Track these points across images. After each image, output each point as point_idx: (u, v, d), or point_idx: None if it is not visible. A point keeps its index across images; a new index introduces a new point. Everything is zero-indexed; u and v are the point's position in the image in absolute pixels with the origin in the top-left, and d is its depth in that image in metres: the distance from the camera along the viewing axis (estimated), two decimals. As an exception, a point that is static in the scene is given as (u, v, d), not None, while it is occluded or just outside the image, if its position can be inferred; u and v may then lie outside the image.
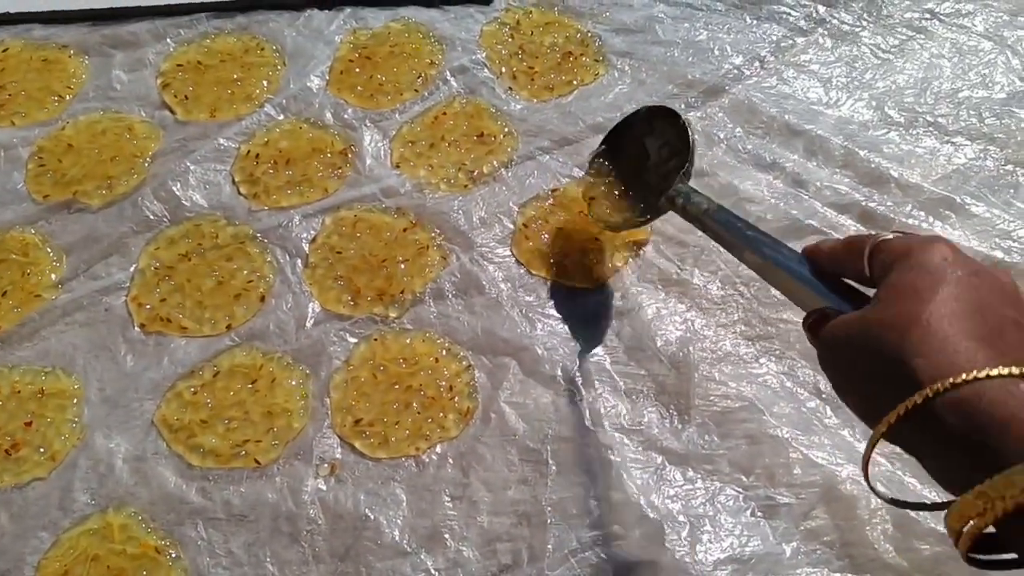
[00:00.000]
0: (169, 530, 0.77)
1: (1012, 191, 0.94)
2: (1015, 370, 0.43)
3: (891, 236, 0.54)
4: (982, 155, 0.97)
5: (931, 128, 1.00)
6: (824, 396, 0.82)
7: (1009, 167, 0.96)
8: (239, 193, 0.97)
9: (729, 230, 0.71)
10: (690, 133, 0.81)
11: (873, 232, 0.57)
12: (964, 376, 0.43)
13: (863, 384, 0.51)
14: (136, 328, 0.88)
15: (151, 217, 0.95)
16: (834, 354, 0.54)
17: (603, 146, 0.92)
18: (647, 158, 0.87)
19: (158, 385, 0.84)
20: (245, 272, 0.91)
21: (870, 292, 0.54)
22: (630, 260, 0.91)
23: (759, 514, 0.77)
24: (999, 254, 0.89)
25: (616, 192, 0.89)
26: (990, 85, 1.03)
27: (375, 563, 0.75)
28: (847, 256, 0.56)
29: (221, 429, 0.81)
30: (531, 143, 1.00)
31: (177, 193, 0.96)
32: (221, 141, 1.00)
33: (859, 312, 0.52)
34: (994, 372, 0.43)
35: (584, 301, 0.89)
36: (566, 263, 0.91)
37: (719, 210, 0.74)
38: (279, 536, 0.76)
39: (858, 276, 0.56)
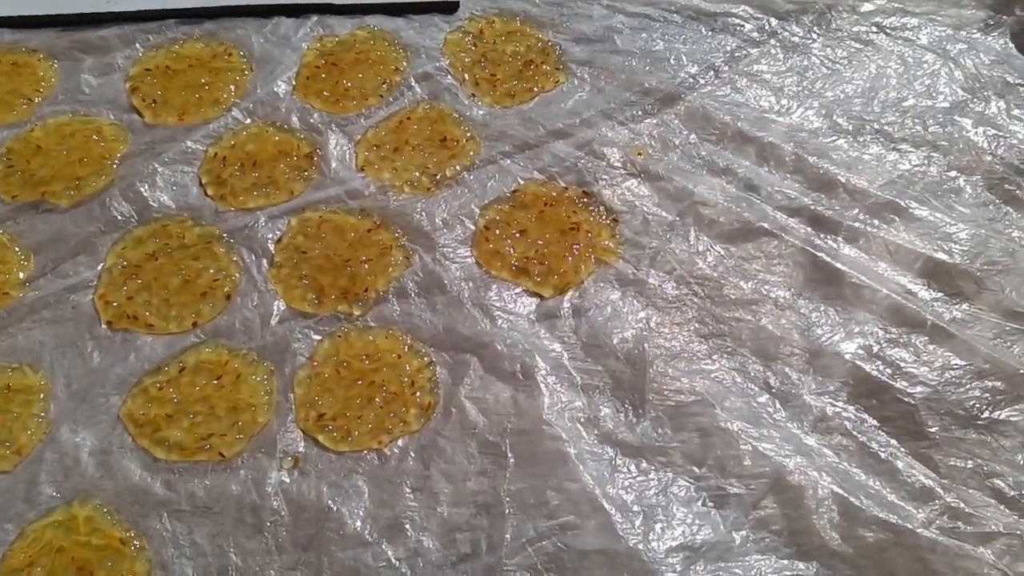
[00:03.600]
0: (134, 522, 0.78)
1: (954, 196, 0.98)
2: None
3: None
4: (926, 161, 1.01)
5: (878, 135, 1.04)
6: (774, 391, 0.85)
7: (952, 173, 1.00)
8: (206, 195, 0.99)
9: None
10: None
11: None
12: None
13: None
14: (103, 325, 0.89)
15: (119, 217, 0.96)
16: None
17: None
18: None
19: (124, 381, 0.86)
20: (211, 271, 0.92)
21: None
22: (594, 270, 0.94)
23: (710, 504, 0.80)
24: (942, 255, 0.93)
25: None
26: (934, 95, 1.07)
27: (337, 553, 0.76)
28: None
29: (186, 423, 0.83)
30: (493, 147, 1.03)
31: (145, 194, 0.98)
32: (189, 144, 1.02)
33: None
34: None
35: (542, 299, 0.92)
36: (526, 266, 0.93)
37: None
38: (243, 527, 0.78)
39: None
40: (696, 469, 0.81)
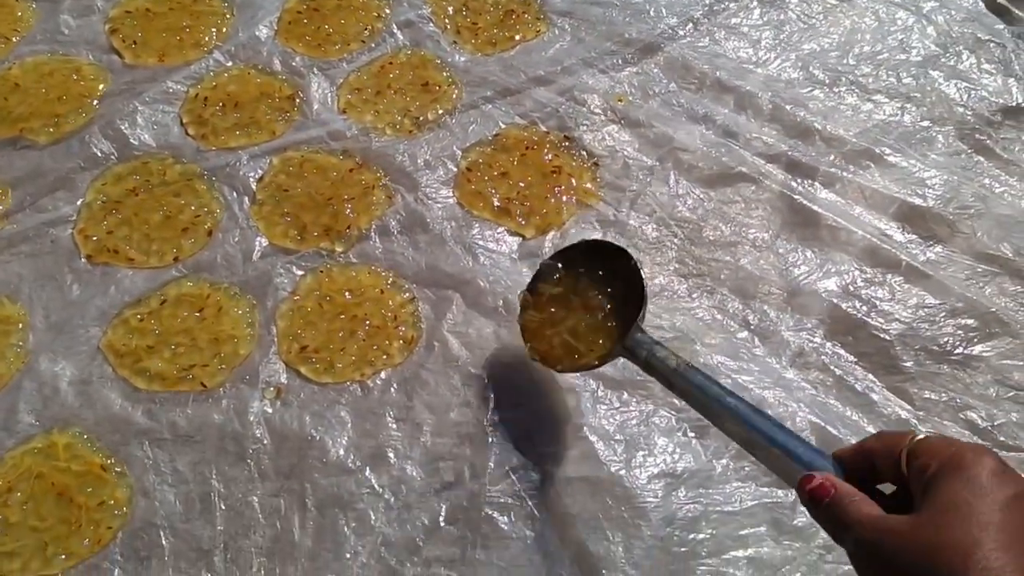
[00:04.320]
0: (114, 449, 0.78)
1: (927, 144, 1.00)
2: None
3: (928, 436, 0.51)
4: (900, 112, 1.03)
5: (853, 87, 1.05)
6: (753, 328, 0.87)
7: (925, 123, 1.02)
8: (187, 134, 0.98)
9: (705, 393, 0.65)
10: (643, 277, 0.75)
11: (902, 430, 0.55)
12: None
13: None
14: (82, 259, 0.88)
15: (98, 154, 0.96)
16: (878, 561, 0.49)
17: (541, 270, 0.83)
18: (593, 293, 0.79)
19: (104, 313, 0.86)
20: (192, 207, 0.92)
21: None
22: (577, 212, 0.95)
23: (691, 434, 0.81)
24: (916, 200, 0.95)
25: (559, 326, 0.80)
26: (907, 49, 1.09)
27: (320, 480, 0.77)
28: (879, 449, 0.53)
29: (168, 354, 0.83)
30: (475, 92, 1.03)
31: (125, 132, 0.97)
32: (169, 84, 1.02)
33: (907, 522, 0.48)
34: None
35: (524, 239, 0.92)
36: (508, 207, 0.94)
37: (689, 369, 0.67)
38: (225, 455, 0.78)
39: (891, 474, 0.53)
40: (677, 401, 0.82)
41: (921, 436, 0.51)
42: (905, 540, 0.47)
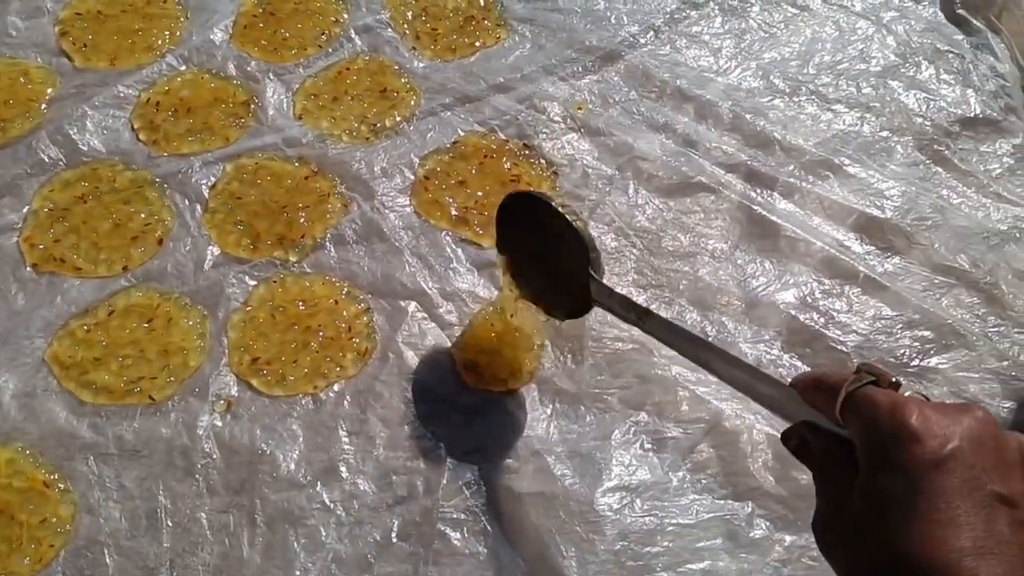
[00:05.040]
0: (58, 465, 0.76)
1: (886, 155, 1.00)
2: None
3: (861, 383, 0.48)
4: (859, 122, 1.03)
5: (813, 96, 1.05)
6: (710, 339, 0.86)
7: (884, 133, 1.02)
8: (138, 140, 0.96)
9: (675, 335, 0.64)
10: (575, 223, 0.71)
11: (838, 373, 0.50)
12: None
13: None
14: (28, 268, 0.86)
15: (46, 160, 0.93)
16: (832, 556, 0.48)
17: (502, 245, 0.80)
18: (544, 248, 0.75)
19: (50, 324, 0.83)
20: (143, 215, 0.90)
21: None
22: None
23: (648, 447, 0.80)
24: (874, 211, 0.95)
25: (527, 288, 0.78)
26: (867, 59, 1.09)
27: (270, 495, 0.75)
28: (819, 394, 0.50)
29: (115, 366, 0.81)
30: (433, 99, 1.02)
31: (74, 137, 0.95)
32: (120, 89, 0.99)
33: (847, 515, 0.46)
34: None
35: (482, 249, 0.91)
36: (466, 216, 0.93)
37: (651, 316, 0.66)
38: (173, 470, 0.76)
39: (829, 416, 0.49)
40: (634, 413, 0.82)
41: (852, 384, 0.47)
42: (843, 535, 0.46)
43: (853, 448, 0.47)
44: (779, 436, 0.53)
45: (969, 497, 0.42)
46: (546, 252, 0.74)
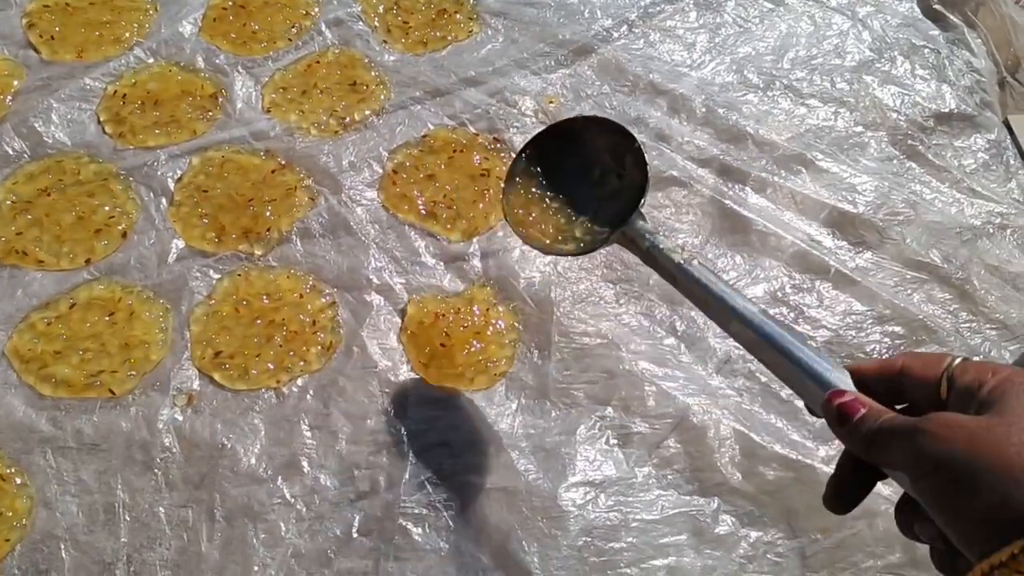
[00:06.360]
0: (16, 458, 0.75)
1: (859, 150, 1.00)
2: None
3: (969, 358, 0.47)
4: (833, 117, 1.03)
5: (787, 91, 1.05)
6: (679, 335, 0.86)
7: (858, 128, 1.02)
8: (104, 132, 0.95)
9: (709, 293, 0.59)
10: (645, 160, 0.69)
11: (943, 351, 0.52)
12: None
13: (972, 505, 0.41)
14: (-11, 261, 0.86)
15: (10, 152, 0.92)
16: (950, 460, 0.42)
17: (527, 150, 0.75)
18: (585, 173, 0.73)
19: (10, 317, 0.83)
20: (107, 208, 0.89)
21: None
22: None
23: (614, 442, 0.79)
24: (846, 206, 0.94)
25: (549, 207, 0.74)
26: (842, 54, 1.09)
27: (230, 490, 0.74)
28: (915, 368, 0.48)
29: (75, 360, 0.80)
30: (404, 93, 1.01)
31: (39, 129, 0.94)
32: (87, 81, 0.98)
33: (982, 422, 0.42)
34: None
35: (450, 244, 0.90)
36: (434, 210, 0.92)
37: (695, 266, 0.62)
38: (132, 464, 0.75)
39: (921, 394, 0.48)
40: (600, 408, 0.81)
41: (961, 358, 0.47)
42: (978, 430, 0.42)
43: None
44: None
45: None
46: (582, 177, 0.72)
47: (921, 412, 0.44)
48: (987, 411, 0.43)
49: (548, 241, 0.72)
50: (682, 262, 0.62)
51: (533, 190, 0.74)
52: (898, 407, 0.48)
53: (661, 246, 0.63)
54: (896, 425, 0.45)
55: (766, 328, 0.55)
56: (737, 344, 0.58)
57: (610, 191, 0.71)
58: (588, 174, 0.73)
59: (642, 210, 0.66)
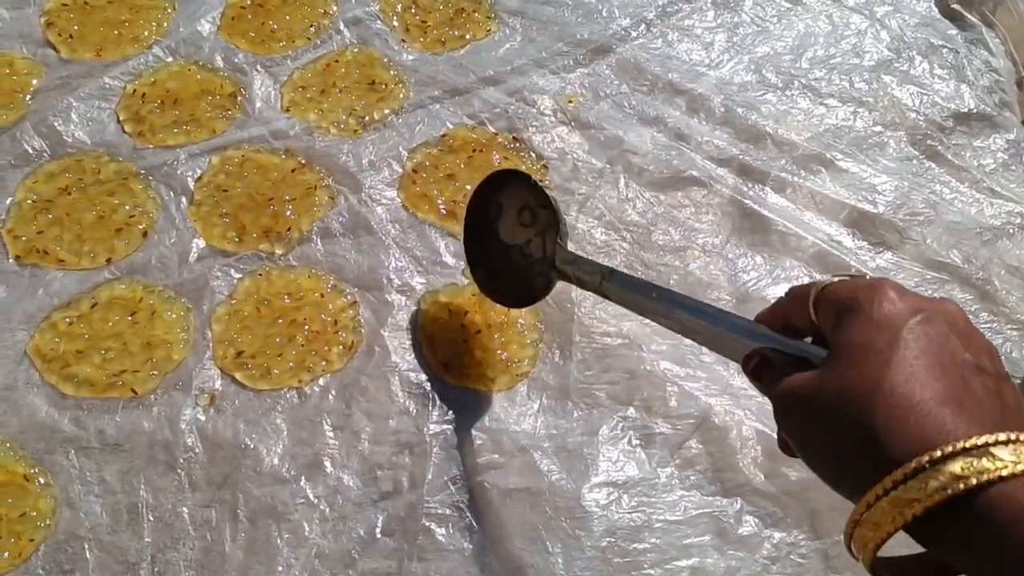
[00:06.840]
0: (39, 458, 0.75)
1: (879, 150, 1.00)
2: (990, 438, 0.39)
3: (835, 281, 0.50)
4: (852, 117, 1.03)
5: (806, 90, 1.05)
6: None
7: (877, 128, 1.02)
8: (123, 131, 0.95)
9: (634, 296, 0.67)
10: (547, 193, 0.76)
11: (815, 279, 0.55)
12: (940, 452, 0.39)
13: (831, 454, 0.46)
14: (10, 260, 0.85)
15: (30, 151, 0.92)
16: (794, 422, 0.48)
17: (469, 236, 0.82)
18: (513, 233, 0.79)
19: (32, 316, 0.82)
20: (127, 207, 0.89)
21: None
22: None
23: (636, 443, 0.79)
24: (866, 206, 0.94)
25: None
26: (860, 54, 1.09)
27: (253, 490, 0.74)
28: (792, 306, 0.53)
29: (97, 359, 0.80)
30: (422, 92, 1.01)
31: (59, 128, 0.94)
32: (106, 80, 0.98)
33: (814, 373, 0.47)
34: (969, 443, 0.39)
35: (471, 243, 0.90)
36: (454, 210, 0.92)
37: (615, 274, 0.69)
38: (155, 464, 0.75)
39: (806, 326, 0.52)
40: (622, 409, 0.81)
41: (824, 284, 0.50)
42: (811, 390, 0.46)
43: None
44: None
45: (948, 354, 0.44)
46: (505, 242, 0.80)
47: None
48: (832, 347, 0.47)
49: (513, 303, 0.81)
50: (600, 282, 0.70)
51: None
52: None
53: (583, 267, 0.72)
54: (773, 386, 0.50)
55: (689, 306, 0.61)
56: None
57: (541, 229, 0.77)
58: (523, 220, 0.78)
59: (561, 242, 0.74)
